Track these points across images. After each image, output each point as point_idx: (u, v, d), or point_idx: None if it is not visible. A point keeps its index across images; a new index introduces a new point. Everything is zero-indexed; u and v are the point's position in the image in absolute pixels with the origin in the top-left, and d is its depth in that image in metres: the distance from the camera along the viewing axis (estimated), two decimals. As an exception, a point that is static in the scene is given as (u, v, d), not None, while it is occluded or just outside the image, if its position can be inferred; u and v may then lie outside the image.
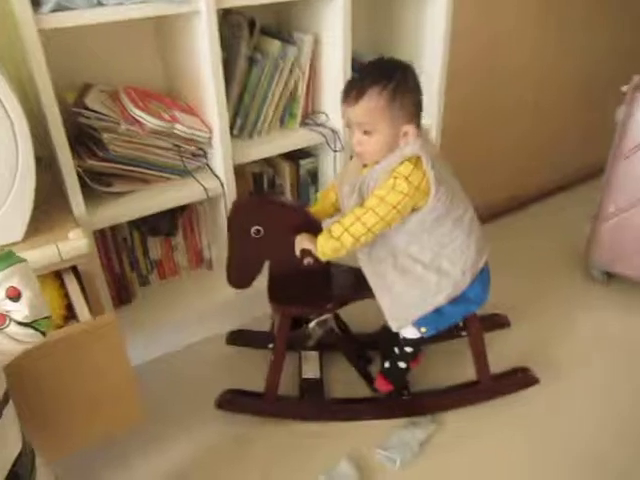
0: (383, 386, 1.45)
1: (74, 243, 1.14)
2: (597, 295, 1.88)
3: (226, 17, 1.45)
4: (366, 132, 1.14)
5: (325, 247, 1.19)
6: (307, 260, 1.22)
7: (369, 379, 1.51)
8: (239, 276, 1.34)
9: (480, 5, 1.83)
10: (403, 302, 1.26)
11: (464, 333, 1.55)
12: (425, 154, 1.13)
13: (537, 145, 2.34)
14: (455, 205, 1.20)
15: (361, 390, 1.50)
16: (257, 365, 1.53)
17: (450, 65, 1.64)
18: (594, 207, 1.84)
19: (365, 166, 1.24)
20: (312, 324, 1.35)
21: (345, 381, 1.52)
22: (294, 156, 1.65)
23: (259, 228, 1.23)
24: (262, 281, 1.64)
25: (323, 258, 1.21)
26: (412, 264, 1.23)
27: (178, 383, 1.55)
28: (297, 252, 1.23)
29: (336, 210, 1.35)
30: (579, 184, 2.54)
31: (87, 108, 1.29)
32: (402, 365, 1.43)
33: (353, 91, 1.13)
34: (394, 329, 1.31)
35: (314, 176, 1.72)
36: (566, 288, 1.92)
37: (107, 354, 0.96)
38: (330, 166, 1.64)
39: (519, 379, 1.49)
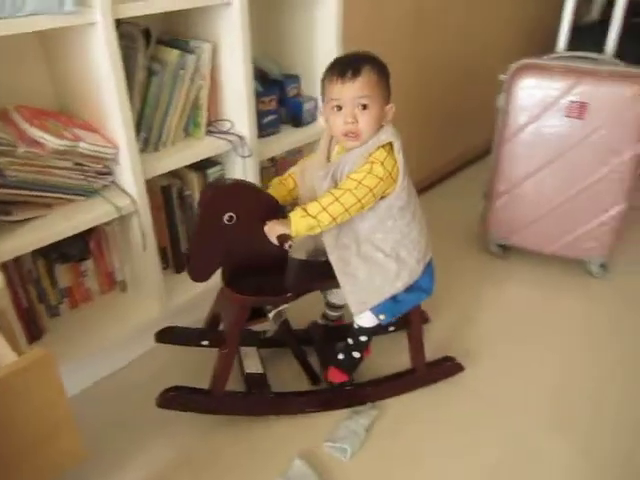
0: (337, 377, 1.47)
1: (-17, 280, 1.04)
2: (500, 268, 2.05)
3: (118, 28, 1.39)
4: (364, 107, 1.20)
5: (300, 225, 1.19)
6: (288, 244, 1.20)
7: (312, 373, 1.53)
8: (203, 267, 1.27)
9: (369, 9, 1.90)
10: (365, 288, 1.31)
11: (391, 329, 1.63)
12: (397, 140, 1.22)
13: (428, 135, 2.48)
14: (411, 196, 1.29)
15: (301, 384, 1.52)
16: (190, 372, 1.50)
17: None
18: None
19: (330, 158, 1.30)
20: (271, 315, 1.33)
21: (284, 376, 1.53)
22: (200, 166, 1.63)
23: (232, 215, 1.20)
24: (183, 296, 1.61)
25: (296, 236, 1.21)
26: (374, 252, 1.29)
27: (112, 411, 1.47)
28: (273, 239, 1.21)
29: (292, 198, 1.37)
30: (472, 164, 2.75)
31: (-26, 132, 1.19)
32: (356, 355, 1.47)
33: (349, 70, 1.19)
34: (354, 312, 1.35)
35: (223, 184, 1.71)
36: (470, 266, 2.07)
37: (45, 391, 0.89)
38: (239, 172, 1.63)
39: (448, 367, 1.57)
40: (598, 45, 1.83)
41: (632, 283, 1.96)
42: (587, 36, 1.98)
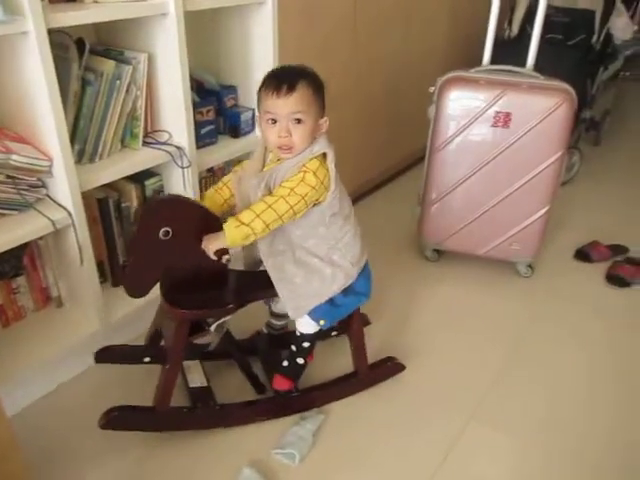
0: (282, 385, 1.48)
1: None
2: (436, 270, 2.13)
3: (49, 37, 1.36)
4: (298, 121, 1.22)
5: (235, 234, 1.20)
6: (226, 258, 1.21)
7: (257, 383, 1.53)
8: (139, 282, 1.25)
9: (303, 16, 1.92)
10: (303, 292, 1.33)
11: (334, 333, 1.66)
12: (331, 151, 1.26)
13: (369, 141, 2.53)
14: (344, 203, 1.33)
15: (248, 394, 1.52)
16: (132, 388, 1.47)
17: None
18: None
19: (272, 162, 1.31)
20: (213, 327, 1.32)
21: (229, 387, 1.53)
22: (139, 177, 1.60)
23: (168, 229, 1.18)
24: (123, 310, 1.58)
25: (232, 246, 1.22)
26: (310, 257, 1.32)
27: (51, 433, 1.41)
28: (211, 254, 1.22)
29: (229, 206, 1.37)
30: (415, 167, 2.87)
31: None
32: (300, 361, 1.49)
33: (284, 84, 1.21)
34: (292, 317, 1.38)
35: (161, 195, 1.69)
36: (408, 269, 2.13)
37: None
38: (179, 183, 1.62)
39: (389, 367, 1.61)
40: (518, 58, 1.94)
41: (555, 281, 2.08)
42: (508, 50, 2.10)
